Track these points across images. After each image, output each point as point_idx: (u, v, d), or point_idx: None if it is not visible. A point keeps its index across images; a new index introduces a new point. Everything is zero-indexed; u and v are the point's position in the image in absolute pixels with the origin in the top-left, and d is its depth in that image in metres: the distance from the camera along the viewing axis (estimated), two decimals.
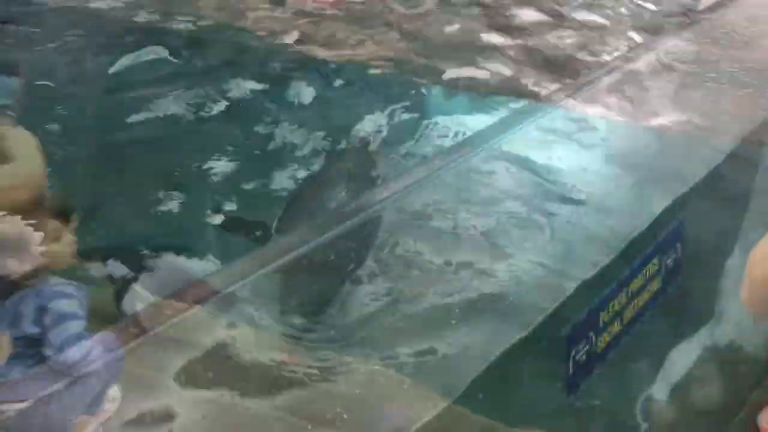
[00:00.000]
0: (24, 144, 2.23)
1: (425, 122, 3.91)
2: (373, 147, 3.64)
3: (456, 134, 3.74)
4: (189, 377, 2.03)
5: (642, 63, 3.10)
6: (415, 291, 2.44)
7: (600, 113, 3.27)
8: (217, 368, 2.07)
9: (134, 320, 2.19)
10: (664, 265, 2.75)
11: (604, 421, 3.10)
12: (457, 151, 2.71)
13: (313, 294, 2.56)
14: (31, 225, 1.90)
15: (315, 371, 2.17)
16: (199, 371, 2.07)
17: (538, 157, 3.03)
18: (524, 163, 3.01)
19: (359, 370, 2.20)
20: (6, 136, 2.21)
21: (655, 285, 2.72)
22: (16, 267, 1.89)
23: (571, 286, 2.63)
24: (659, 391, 3.23)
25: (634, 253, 2.63)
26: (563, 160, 3.08)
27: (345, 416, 2.01)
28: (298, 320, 2.46)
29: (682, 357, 3.30)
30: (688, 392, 3.15)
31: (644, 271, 2.66)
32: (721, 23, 3.75)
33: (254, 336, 2.30)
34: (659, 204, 2.89)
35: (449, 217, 2.75)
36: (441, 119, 3.90)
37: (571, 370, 2.39)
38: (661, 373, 3.30)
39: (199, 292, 1.87)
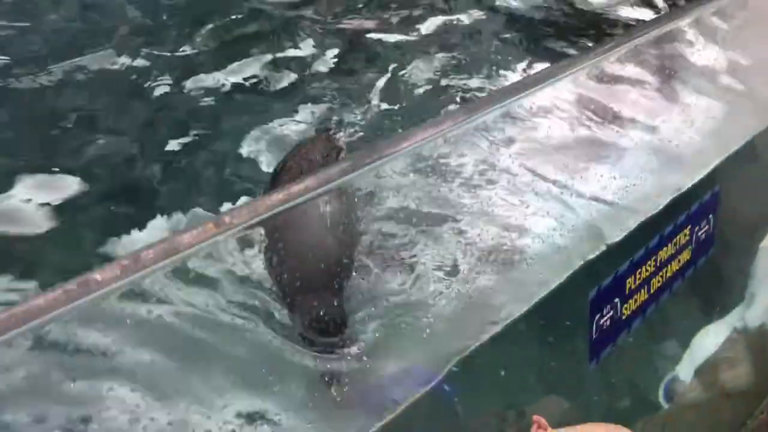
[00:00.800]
0: None
1: None
2: (340, 136, 3.44)
3: None
4: None
5: None
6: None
7: None
8: None
9: None
10: (695, 236, 2.67)
11: (626, 399, 3.05)
12: None
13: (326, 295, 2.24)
14: None
15: None
16: None
17: None
18: None
19: None
20: None
21: (685, 256, 2.64)
22: None
23: None
24: (684, 371, 3.16)
25: (665, 221, 2.54)
26: None
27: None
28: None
29: (710, 338, 3.22)
30: (714, 374, 3.07)
31: (674, 241, 2.58)
32: None
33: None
34: None
35: None
36: None
37: (593, 335, 2.31)
38: (687, 353, 3.23)
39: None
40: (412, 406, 2.46)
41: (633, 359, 3.13)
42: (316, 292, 2.23)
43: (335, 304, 2.21)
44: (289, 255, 2.29)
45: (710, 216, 2.71)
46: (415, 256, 2.32)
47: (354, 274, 2.32)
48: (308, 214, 2.28)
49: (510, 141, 2.47)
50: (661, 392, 3.14)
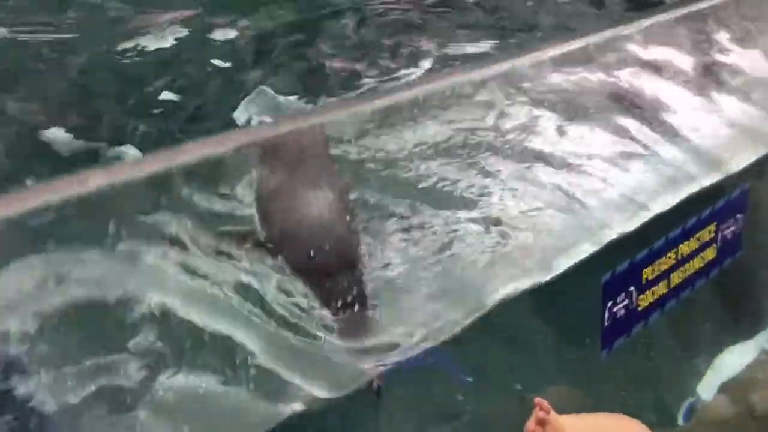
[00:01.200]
0: None
1: None
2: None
3: None
4: None
5: None
6: None
7: None
8: None
9: None
10: (721, 234, 2.52)
11: (644, 415, 2.87)
12: None
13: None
14: None
15: None
16: None
17: None
18: None
19: None
20: None
21: (709, 254, 2.49)
22: None
23: None
24: (707, 389, 2.99)
25: (689, 214, 2.40)
26: None
27: None
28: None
29: (735, 358, 3.06)
30: (741, 394, 2.89)
31: (698, 236, 2.44)
32: None
33: None
34: None
35: None
36: None
37: (606, 322, 2.17)
38: (710, 371, 3.06)
39: None
40: (414, 400, 2.35)
41: (655, 375, 2.97)
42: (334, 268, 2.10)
43: (354, 279, 2.09)
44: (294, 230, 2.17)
45: (738, 215, 2.57)
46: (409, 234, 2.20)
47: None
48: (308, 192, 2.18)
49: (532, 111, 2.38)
50: (682, 410, 2.97)
